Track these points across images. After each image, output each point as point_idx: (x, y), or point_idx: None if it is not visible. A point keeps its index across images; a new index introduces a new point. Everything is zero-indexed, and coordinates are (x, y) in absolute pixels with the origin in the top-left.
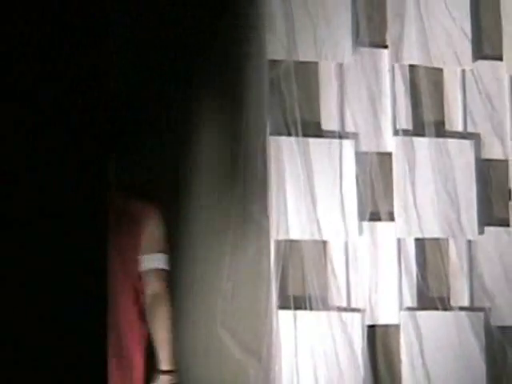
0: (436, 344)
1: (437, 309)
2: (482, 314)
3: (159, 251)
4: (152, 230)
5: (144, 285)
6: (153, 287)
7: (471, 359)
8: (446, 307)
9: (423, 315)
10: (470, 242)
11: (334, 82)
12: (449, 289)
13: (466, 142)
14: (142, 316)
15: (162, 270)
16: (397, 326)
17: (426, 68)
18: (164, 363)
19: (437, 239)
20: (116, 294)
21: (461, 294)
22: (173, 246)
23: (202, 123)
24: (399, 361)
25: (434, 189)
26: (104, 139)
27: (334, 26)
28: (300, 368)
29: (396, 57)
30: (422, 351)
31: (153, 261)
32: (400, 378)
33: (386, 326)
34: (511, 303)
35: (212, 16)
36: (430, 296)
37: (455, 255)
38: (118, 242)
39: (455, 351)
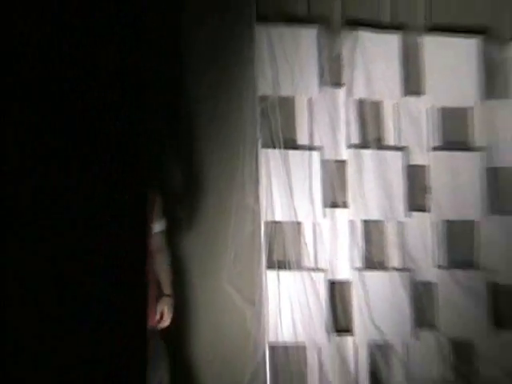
0: (377, 294)
1: (377, 269)
2: (408, 273)
3: (159, 219)
4: (157, 208)
5: (152, 242)
6: (157, 243)
7: (401, 305)
8: (384, 268)
9: (367, 274)
10: (400, 223)
11: (305, 111)
12: (385, 255)
13: (398, 153)
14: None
15: (161, 231)
16: (349, 282)
17: (370, 101)
18: (165, 289)
19: (377, 221)
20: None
21: (394, 259)
22: (193, 228)
23: (212, 141)
24: (351, 306)
25: (375, 185)
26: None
27: (306, 71)
28: (282, 311)
29: (349, 93)
30: (366, 299)
31: (156, 226)
32: (351, 319)
33: (342, 282)
34: (429, 265)
35: (219, 63)
36: (372, 260)
37: (390, 232)
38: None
39: (390, 299)
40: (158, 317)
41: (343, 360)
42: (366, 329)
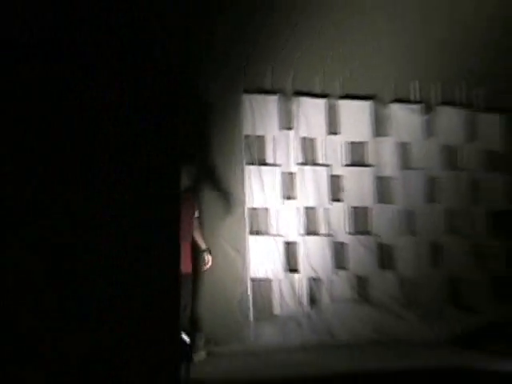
0: (312, 249)
1: (313, 235)
2: (331, 237)
3: (195, 212)
4: (194, 205)
5: (193, 224)
6: (195, 224)
7: (326, 256)
8: (317, 234)
9: (308, 238)
10: (326, 208)
11: (271, 143)
12: (317, 227)
13: (324, 168)
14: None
15: (197, 217)
16: (297, 243)
17: (309, 138)
18: (202, 245)
19: (313, 207)
20: (187, 228)
21: (322, 229)
22: (209, 209)
23: (218, 162)
24: (298, 256)
25: (311, 187)
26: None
27: (271, 120)
28: (257, 259)
29: (296, 133)
30: (306, 252)
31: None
32: (298, 263)
33: (293, 242)
34: (343, 232)
35: (222, 116)
36: (310, 230)
37: (320, 214)
38: (188, 211)
39: (320, 252)
40: (204, 262)
41: (293, 288)
42: (306, 269)
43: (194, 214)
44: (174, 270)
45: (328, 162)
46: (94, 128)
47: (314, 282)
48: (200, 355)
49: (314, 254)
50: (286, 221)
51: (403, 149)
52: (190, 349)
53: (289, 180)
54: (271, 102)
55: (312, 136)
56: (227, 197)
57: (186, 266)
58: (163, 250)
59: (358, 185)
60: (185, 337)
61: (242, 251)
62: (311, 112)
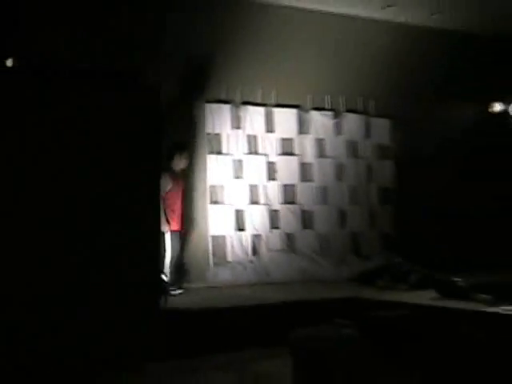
0: (256, 215)
1: (258, 204)
2: (268, 206)
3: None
4: (182, 182)
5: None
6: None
7: (265, 218)
8: (259, 203)
9: (252, 207)
10: (264, 186)
11: (225, 139)
12: (259, 197)
13: (263, 157)
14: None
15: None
16: (244, 210)
17: (253, 135)
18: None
19: (255, 185)
20: (179, 198)
21: (261, 198)
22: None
23: (191, 152)
24: (245, 220)
25: (255, 171)
26: None
27: (225, 122)
28: (217, 222)
29: (244, 131)
30: (251, 218)
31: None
32: (244, 224)
33: (241, 210)
34: (277, 202)
35: (191, 119)
36: (254, 200)
37: (260, 189)
38: (179, 187)
39: (261, 216)
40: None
41: (241, 242)
42: (250, 229)
43: (182, 188)
44: (155, 228)
45: (266, 153)
46: (86, 127)
47: (256, 237)
48: (178, 290)
49: (255, 217)
50: (236, 194)
51: (319, 143)
52: (167, 285)
53: (238, 165)
54: (225, 109)
55: (255, 133)
56: (194, 177)
57: (178, 226)
58: (146, 213)
59: (287, 169)
60: (164, 277)
61: (204, 216)
62: (254, 116)
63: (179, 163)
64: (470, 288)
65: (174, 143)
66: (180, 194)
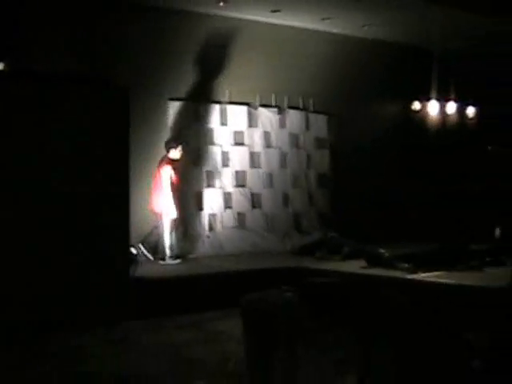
0: (212, 196)
1: (214, 187)
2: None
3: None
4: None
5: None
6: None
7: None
8: (214, 187)
9: (209, 190)
10: (218, 172)
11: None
12: (215, 181)
13: (218, 147)
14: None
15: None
16: (202, 192)
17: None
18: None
19: (210, 171)
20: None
21: (216, 182)
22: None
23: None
24: (203, 201)
25: (210, 159)
26: None
27: (193, 119)
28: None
29: (203, 125)
30: (208, 199)
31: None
32: (202, 204)
33: (199, 192)
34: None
35: (157, 115)
36: (211, 184)
37: (215, 174)
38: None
39: (219, 198)
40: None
41: (200, 221)
42: (207, 208)
43: (179, 176)
44: (124, 209)
45: (220, 143)
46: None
47: (212, 216)
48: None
49: (212, 199)
50: (196, 180)
51: (266, 135)
52: (135, 257)
53: (196, 154)
54: (193, 107)
55: (211, 127)
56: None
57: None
58: (120, 197)
59: (239, 157)
60: (133, 250)
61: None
62: (210, 112)
63: (175, 154)
64: (394, 258)
65: (170, 138)
66: (177, 182)
